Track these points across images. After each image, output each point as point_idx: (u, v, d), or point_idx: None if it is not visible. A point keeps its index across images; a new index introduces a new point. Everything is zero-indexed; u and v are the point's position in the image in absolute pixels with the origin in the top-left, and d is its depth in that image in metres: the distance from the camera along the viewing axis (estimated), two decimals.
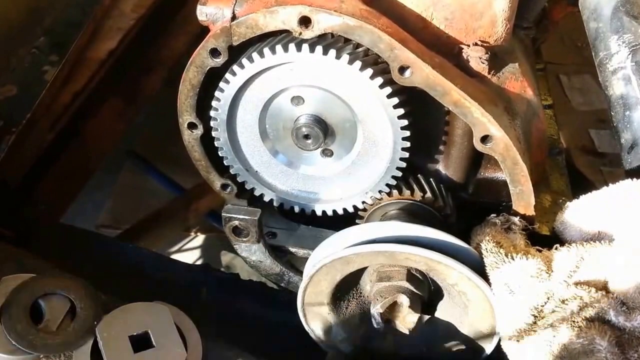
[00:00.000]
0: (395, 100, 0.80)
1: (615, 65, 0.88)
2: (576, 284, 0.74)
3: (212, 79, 0.87)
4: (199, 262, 2.02)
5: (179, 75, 0.88)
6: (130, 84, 1.57)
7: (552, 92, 1.43)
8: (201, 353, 0.84)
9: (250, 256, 1.03)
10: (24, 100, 1.20)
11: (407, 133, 0.83)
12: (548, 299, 0.74)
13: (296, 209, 0.97)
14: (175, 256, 2.06)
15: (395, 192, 0.90)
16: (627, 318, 0.70)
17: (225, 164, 0.93)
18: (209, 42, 0.83)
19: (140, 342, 0.82)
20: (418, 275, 0.85)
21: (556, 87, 2.46)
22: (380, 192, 0.91)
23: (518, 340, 0.74)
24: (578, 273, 0.74)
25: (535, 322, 0.74)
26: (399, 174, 0.88)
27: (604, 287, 0.74)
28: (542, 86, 1.30)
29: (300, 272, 1.03)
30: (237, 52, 0.84)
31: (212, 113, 0.87)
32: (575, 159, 2.17)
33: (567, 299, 0.73)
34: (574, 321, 0.71)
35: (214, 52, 0.84)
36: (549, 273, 0.74)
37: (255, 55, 0.80)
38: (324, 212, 0.96)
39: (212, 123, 0.89)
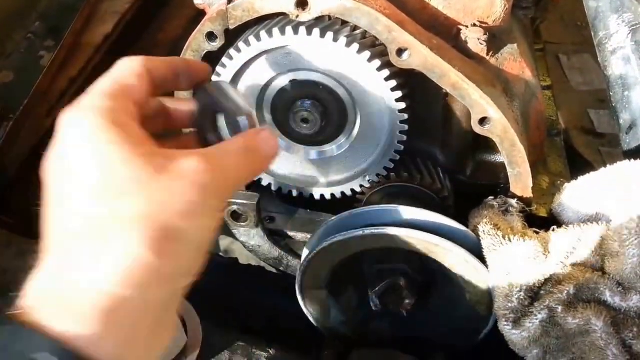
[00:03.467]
0: (394, 82, 0.80)
1: (614, 45, 0.87)
2: (573, 265, 0.74)
3: (209, 63, 0.86)
4: None
5: None
6: None
7: (552, 72, 1.42)
8: (201, 337, 0.85)
9: (248, 240, 1.03)
10: (20, 86, 1.20)
11: (405, 116, 0.83)
12: (545, 280, 0.74)
13: (294, 193, 0.97)
14: None
15: (393, 175, 0.91)
16: (622, 298, 0.71)
17: None
18: (206, 26, 0.83)
19: None
20: (416, 258, 0.85)
21: (556, 67, 2.45)
22: (378, 175, 0.91)
23: (515, 322, 0.75)
24: (575, 254, 0.74)
25: (532, 303, 0.74)
26: (397, 157, 0.88)
27: (600, 268, 0.75)
28: (541, 67, 1.29)
29: (298, 256, 1.04)
30: (234, 36, 0.84)
31: None
32: (574, 140, 2.16)
33: (563, 280, 0.73)
34: (570, 302, 0.72)
35: (211, 36, 0.83)
36: (546, 255, 0.74)
37: (252, 38, 0.80)
38: (322, 196, 0.96)
39: None
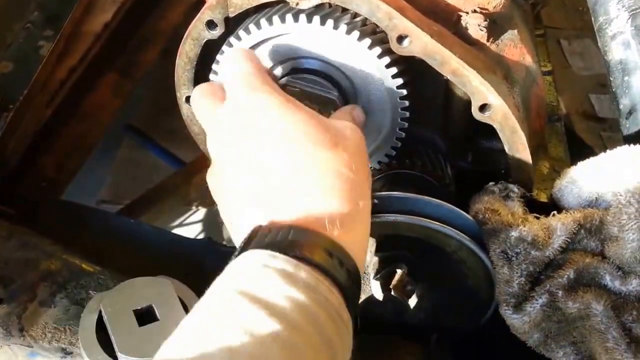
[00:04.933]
0: (394, 70, 0.80)
1: (614, 30, 0.87)
2: (573, 250, 0.75)
3: (210, 51, 0.86)
4: (200, 236, 2.02)
5: (176, 48, 0.87)
6: (127, 57, 1.56)
7: (553, 57, 1.41)
8: None
9: None
10: (20, 77, 1.19)
11: (406, 103, 0.83)
12: (545, 265, 0.75)
13: None
14: (176, 230, 2.07)
15: (394, 162, 0.91)
16: (622, 282, 0.71)
17: None
18: (205, 14, 0.82)
19: (145, 316, 0.84)
20: (417, 244, 0.85)
21: (557, 52, 2.44)
22: (379, 163, 0.91)
23: (516, 306, 0.76)
24: (575, 239, 0.75)
25: (532, 288, 0.75)
26: (398, 144, 0.88)
27: (600, 253, 0.75)
28: (541, 52, 1.29)
29: None
30: (234, 24, 0.84)
31: None
32: (575, 125, 2.16)
33: (563, 265, 0.74)
34: (570, 286, 0.73)
35: (211, 24, 0.83)
36: (546, 240, 0.75)
37: (252, 26, 0.80)
38: None
39: None
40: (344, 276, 0.57)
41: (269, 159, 0.64)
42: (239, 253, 0.58)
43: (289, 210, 0.61)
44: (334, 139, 0.65)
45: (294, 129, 0.64)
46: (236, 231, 0.66)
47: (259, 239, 0.58)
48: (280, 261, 0.54)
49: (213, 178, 0.71)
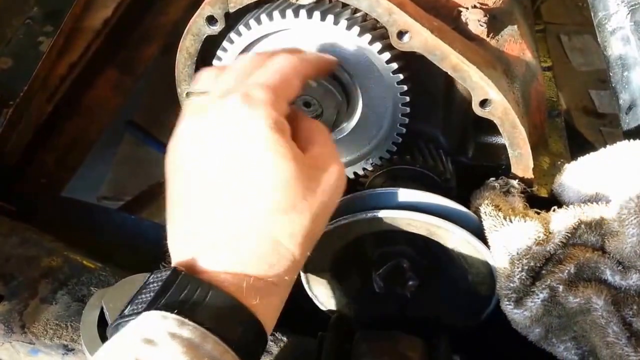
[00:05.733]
0: (395, 65, 0.80)
1: (614, 26, 0.87)
2: (573, 245, 0.75)
3: (210, 47, 0.86)
4: None
5: (177, 43, 0.87)
6: (127, 53, 1.55)
7: (553, 53, 1.42)
8: None
9: None
10: (20, 73, 1.19)
11: (407, 98, 0.83)
12: (546, 260, 0.75)
13: None
14: None
15: (395, 158, 0.91)
16: (622, 277, 0.71)
17: None
18: (205, 9, 0.82)
19: None
20: (419, 240, 0.86)
21: (557, 48, 2.44)
22: (380, 158, 0.91)
23: (517, 301, 0.76)
24: (575, 234, 0.75)
25: (533, 283, 0.75)
26: (399, 140, 0.88)
27: (600, 248, 0.75)
28: (541, 47, 1.29)
29: None
30: (234, 20, 0.83)
31: None
32: (575, 120, 2.16)
33: (564, 260, 0.74)
34: (571, 281, 0.73)
35: (211, 20, 0.83)
36: (547, 235, 0.75)
37: (252, 22, 0.80)
38: None
39: None
40: (254, 349, 0.57)
41: (223, 195, 0.59)
42: (154, 301, 0.55)
43: (216, 263, 0.57)
44: (299, 197, 0.59)
45: (266, 175, 0.58)
46: (170, 233, 0.62)
47: (173, 294, 0.55)
48: (188, 330, 0.52)
49: (173, 156, 0.63)
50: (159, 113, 2.21)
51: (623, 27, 0.86)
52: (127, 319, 0.56)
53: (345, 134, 0.90)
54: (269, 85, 0.61)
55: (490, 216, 0.78)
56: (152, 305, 0.55)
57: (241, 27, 0.81)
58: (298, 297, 0.92)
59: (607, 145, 0.79)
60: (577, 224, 0.75)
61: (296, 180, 0.58)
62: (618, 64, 0.87)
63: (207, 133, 0.60)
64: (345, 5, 0.79)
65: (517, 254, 0.75)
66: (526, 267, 0.74)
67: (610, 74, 0.88)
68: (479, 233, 0.79)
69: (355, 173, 0.94)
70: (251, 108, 0.59)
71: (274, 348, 0.88)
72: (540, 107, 0.94)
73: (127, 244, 1.16)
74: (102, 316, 0.84)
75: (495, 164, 0.93)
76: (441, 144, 0.95)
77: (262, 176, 0.58)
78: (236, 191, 0.58)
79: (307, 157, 0.62)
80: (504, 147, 0.85)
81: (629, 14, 0.86)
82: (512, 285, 0.75)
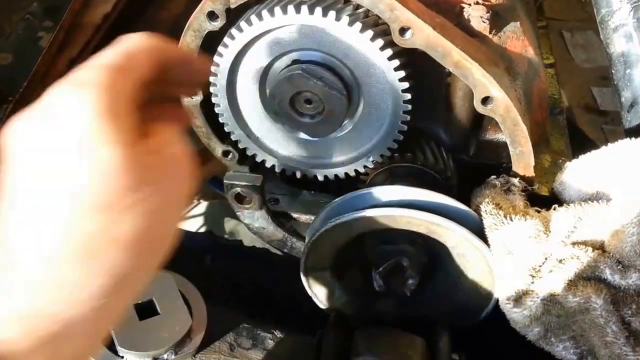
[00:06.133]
0: (396, 62, 0.80)
1: (616, 23, 0.87)
2: (573, 243, 0.75)
3: (211, 43, 0.86)
4: (202, 229, 2.02)
5: (177, 39, 0.87)
6: None
7: (555, 49, 1.41)
8: (206, 320, 0.86)
9: (253, 223, 1.04)
10: (19, 68, 1.19)
11: (408, 96, 0.83)
12: (546, 259, 0.75)
13: (298, 175, 0.97)
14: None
15: (396, 155, 0.91)
16: (622, 276, 0.71)
17: (226, 130, 0.93)
18: (206, 5, 0.82)
19: (146, 310, 0.84)
20: (419, 238, 0.86)
21: (559, 44, 2.43)
22: (382, 156, 0.91)
23: (516, 300, 0.76)
24: (575, 233, 0.75)
25: (533, 282, 0.75)
26: (401, 137, 0.88)
27: (600, 247, 0.75)
28: (544, 44, 1.28)
29: (303, 238, 1.04)
30: (235, 15, 0.83)
31: (211, 79, 0.87)
32: (577, 118, 2.16)
33: (564, 259, 0.74)
34: (570, 280, 0.73)
35: (212, 15, 0.83)
36: (547, 233, 0.75)
37: (253, 18, 0.79)
38: (325, 177, 0.96)
39: (211, 89, 0.88)
40: None
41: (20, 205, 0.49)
42: None
43: None
44: (127, 189, 0.48)
45: (81, 165, 0.48)
46: None
47: None
48: None
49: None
50: None
51: (626, 24, 0.86)
52: None
53: (346, 131, 0.90)
54: (107, 65, 0.53)
55: (491, 214, 0.78)
56: None
57: (242, 23, 0.80)
58: (298, 296, 0.93)
59: (609, 143, 0.79)
60: (577, 222, 0.75)
61: (124, 169, 0.48)
62: (620, 61, 0.86)
63: (34, 128, 0.52)
64: (347, 2, 0.79)
65: (517, 252, 0.75)
66: (526, 266, 0.74)
67: (613, 71, 0.88)
68: (479, 231, 0.79)
69: (356, 170, 0.94)
70: (74, 92, 0.50)
71: (273, 347, 0.88)
72: (542, 105, 0.94)
73: None
74: None
75: (497, 161, 0.93)
76: (442, 141, 0.95)
77: (78, 167, 0.48)
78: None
79: (148, 143, 0.51)
80: (505, 144, 0.85)
81: (631, 10, 0.85)
82: (511, 284, 0.75)
